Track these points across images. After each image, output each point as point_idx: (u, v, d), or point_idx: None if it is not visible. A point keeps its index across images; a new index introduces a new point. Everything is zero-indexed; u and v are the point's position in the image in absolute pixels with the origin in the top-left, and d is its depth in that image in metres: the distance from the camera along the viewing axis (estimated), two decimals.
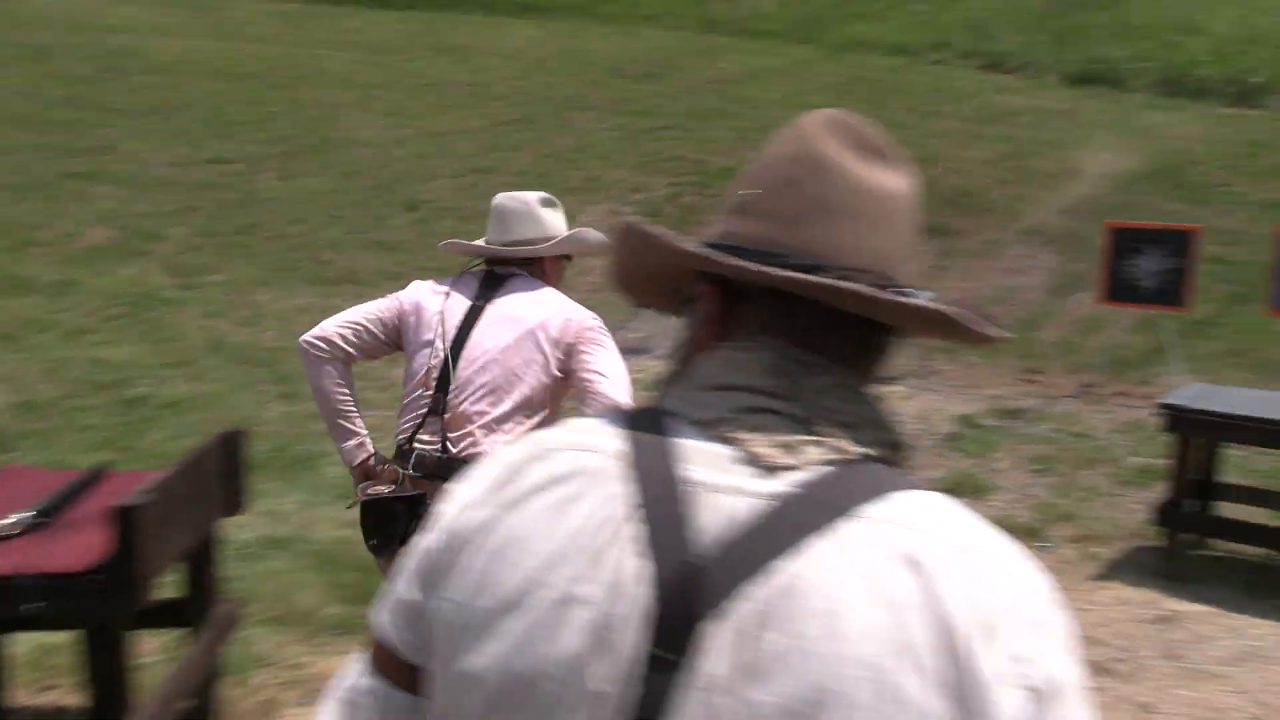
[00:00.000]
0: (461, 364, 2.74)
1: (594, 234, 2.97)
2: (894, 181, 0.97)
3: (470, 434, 2.71)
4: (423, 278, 3.06)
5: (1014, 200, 13.14)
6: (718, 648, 0.79)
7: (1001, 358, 9.66)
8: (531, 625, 0.83)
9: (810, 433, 0.88)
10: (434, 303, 2.84)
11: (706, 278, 0.99)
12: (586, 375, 2.70)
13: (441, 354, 2.75)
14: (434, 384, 2.75)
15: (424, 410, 2.75)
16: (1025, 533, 5.26)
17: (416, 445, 2.74)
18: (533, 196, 2.96)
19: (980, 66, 18.17)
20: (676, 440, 0.89)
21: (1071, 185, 13.41)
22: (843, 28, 20.15)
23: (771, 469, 0.85)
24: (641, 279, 1.09)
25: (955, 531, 0.84)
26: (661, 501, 0.84)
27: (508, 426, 2.72)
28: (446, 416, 2.72)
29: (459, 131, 15.44)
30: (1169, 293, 7.89)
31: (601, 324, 2.82)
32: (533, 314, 2.77)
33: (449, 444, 2.72)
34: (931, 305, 0.91)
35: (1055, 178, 13.60)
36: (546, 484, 0.88)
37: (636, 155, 14.82)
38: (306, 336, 2.81)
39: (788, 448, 0.86)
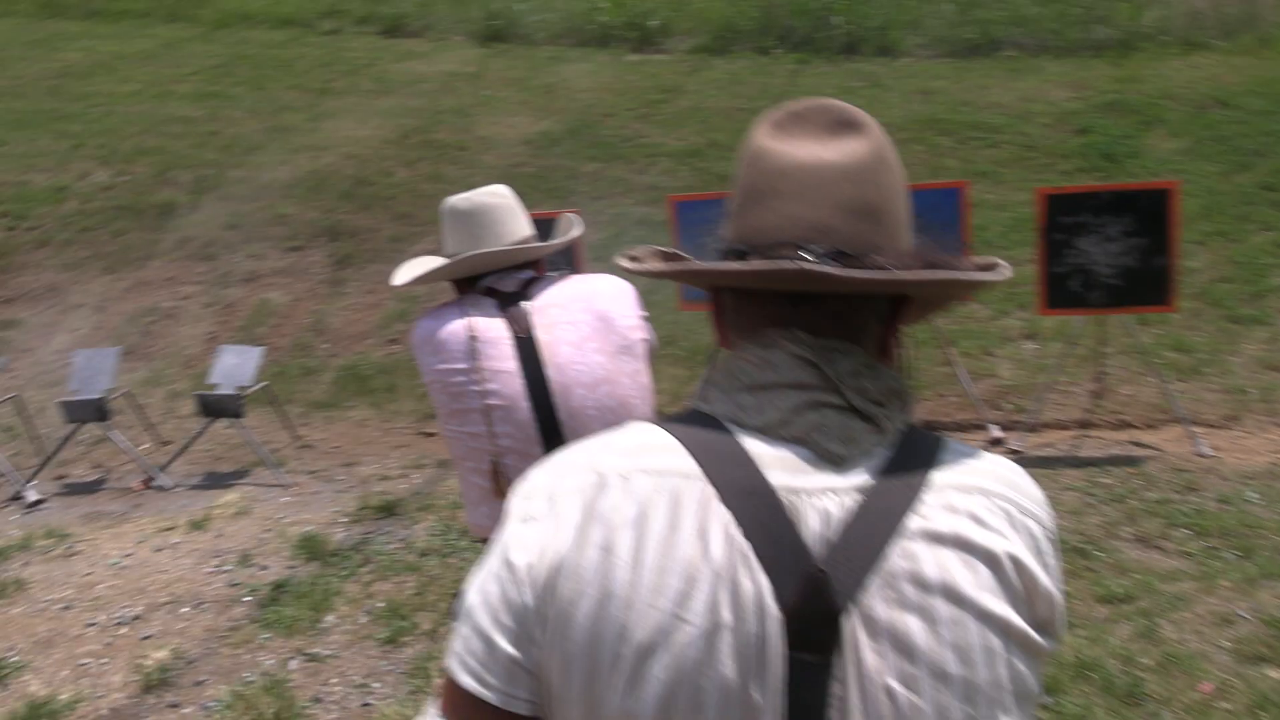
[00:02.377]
0: (565, 416, 2.19)
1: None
2: (817, 151, 0.94)
3: None
4: None
5: (422, 182, 10.66)
6: (859, 641, 0.82)
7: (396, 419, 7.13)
8: (683, 661, 0.82)
9: (859, 419, 0.89)
10: (468, 340, 2.22)
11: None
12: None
13: (528, 412, 2.19)
14: (537, 443, 2.18)
15: None
16: None
17: None
18: (503, 190, 2.43)
19: (379, 33, 15.51)
20: (749, 449, 0.88)
21: (485, 155, 11.19)
22: (221, 2, 16.54)
23: (842, 462, 0.87)
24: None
25: (1010, 480, 0.92)
26: (765, 514, 0.84)
27: None
28: None
29: None
30: None
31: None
32: (590, 294, 2.30)
33: None
34: (864, 274, 0.89)
35: (466, 150, 11.31)
36: (638, 517, 0.85)
37: None
38: None
39: (849, 440, 0.88)
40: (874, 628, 0.81)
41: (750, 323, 0.96)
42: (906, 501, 0.85)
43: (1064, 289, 5.39)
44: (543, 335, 2.24)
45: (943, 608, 0.82)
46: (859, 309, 0.94)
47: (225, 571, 4.79)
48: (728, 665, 0.81)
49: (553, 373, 2.20)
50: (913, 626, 0.81)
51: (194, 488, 6.07)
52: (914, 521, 0.84)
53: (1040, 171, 9.96)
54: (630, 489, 0.86)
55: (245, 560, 4.88)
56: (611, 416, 2.21)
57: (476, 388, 2.23)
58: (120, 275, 9.39)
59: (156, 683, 3.90)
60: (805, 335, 0.92)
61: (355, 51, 14.70)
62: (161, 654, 4.10)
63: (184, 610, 4.45)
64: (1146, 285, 5.27)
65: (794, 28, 13.82)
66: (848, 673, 0.81)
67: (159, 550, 5.09)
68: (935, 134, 10.91)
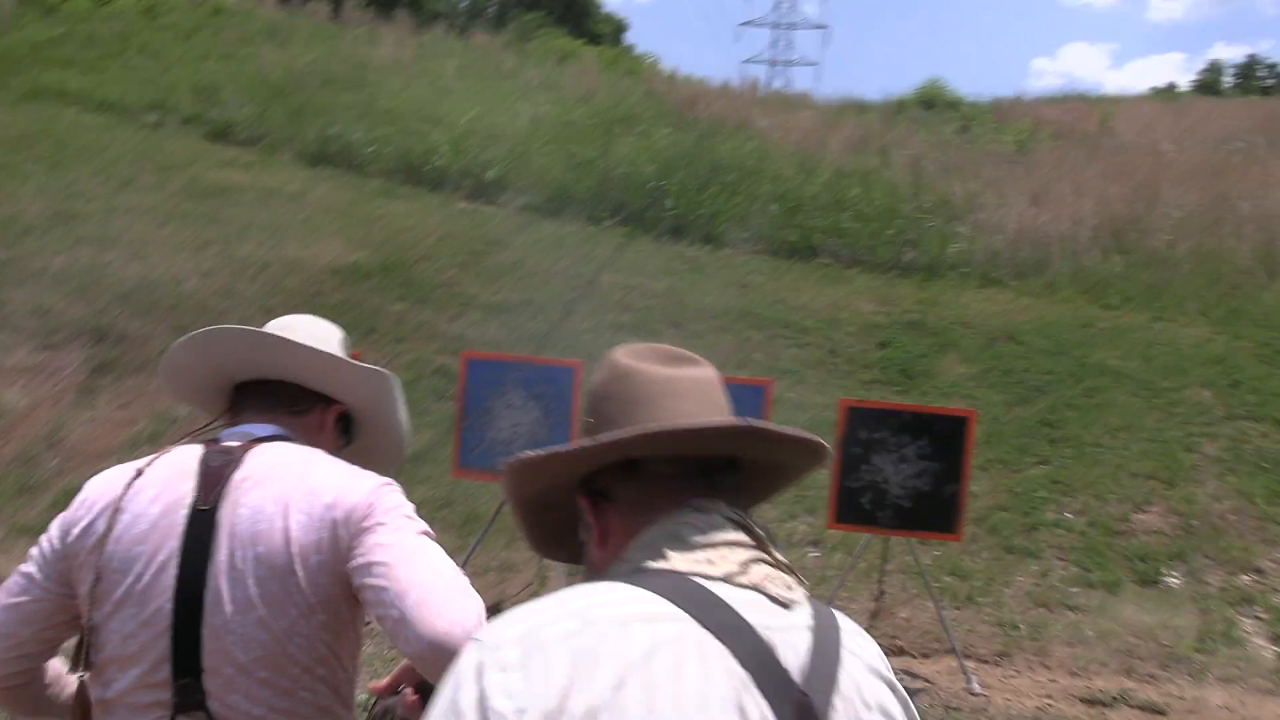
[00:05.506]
0: (208, 633, 1.52)
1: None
2: (681, 371, 1.16)
3: None
4: None
5: (213, 296, 9.83)
6: None
7: None
8: None
9: (785, 570, 1.07)
10: (133, 511, 1.63)
11: (585, 491, 1.14)
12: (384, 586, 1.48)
13: (167, 614, 1.52)
14: (167, 668, 1.52)
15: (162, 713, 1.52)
16: None
17: None
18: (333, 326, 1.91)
19: (205, 135, 14.73)
20: (721, 596, 0.99)
21: (287, 279, 10.48)
22: (39, 74, 15.46)
23: (789, 605, 1.04)
24: (538, 523, 1.24)
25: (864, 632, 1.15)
26: (754, 647, 0.96)
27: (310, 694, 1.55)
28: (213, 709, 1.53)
29: None
30: None
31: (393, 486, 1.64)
32: (297, 499, 1.55)
33: None
34: (745, 423, 1.09)
35: (267, 269, 10.57)
36: (644, 656, 0.90)
37: None
38: None
39: (789, 586, 1.05)
40: None
41: (668, 499, 1.08)
42: (836, 637, 1.03)
43: (855, 504, 5.15)
44: (228, 512, 1.57)
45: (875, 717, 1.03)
46: (749, 485, 1.15)
47: None
48: None
49: (218, 568, 1.53)
50: None
51: None
52: (845, 654, 1.02)
53: (842, 377, 10.05)
54: (628, 633, 0.91)
55: None
56: (258, 655, 1.52)
57: (96, 557, 1.61)
58: None
59: None
60: (725, 505, 1.09)
61: (175, 150, 13.85)
62: None
63: None
64: (935, 511, 5.09)
65: (626, 202, 13.90)
66: None
67: None
68: (747, 326, 10.95)
